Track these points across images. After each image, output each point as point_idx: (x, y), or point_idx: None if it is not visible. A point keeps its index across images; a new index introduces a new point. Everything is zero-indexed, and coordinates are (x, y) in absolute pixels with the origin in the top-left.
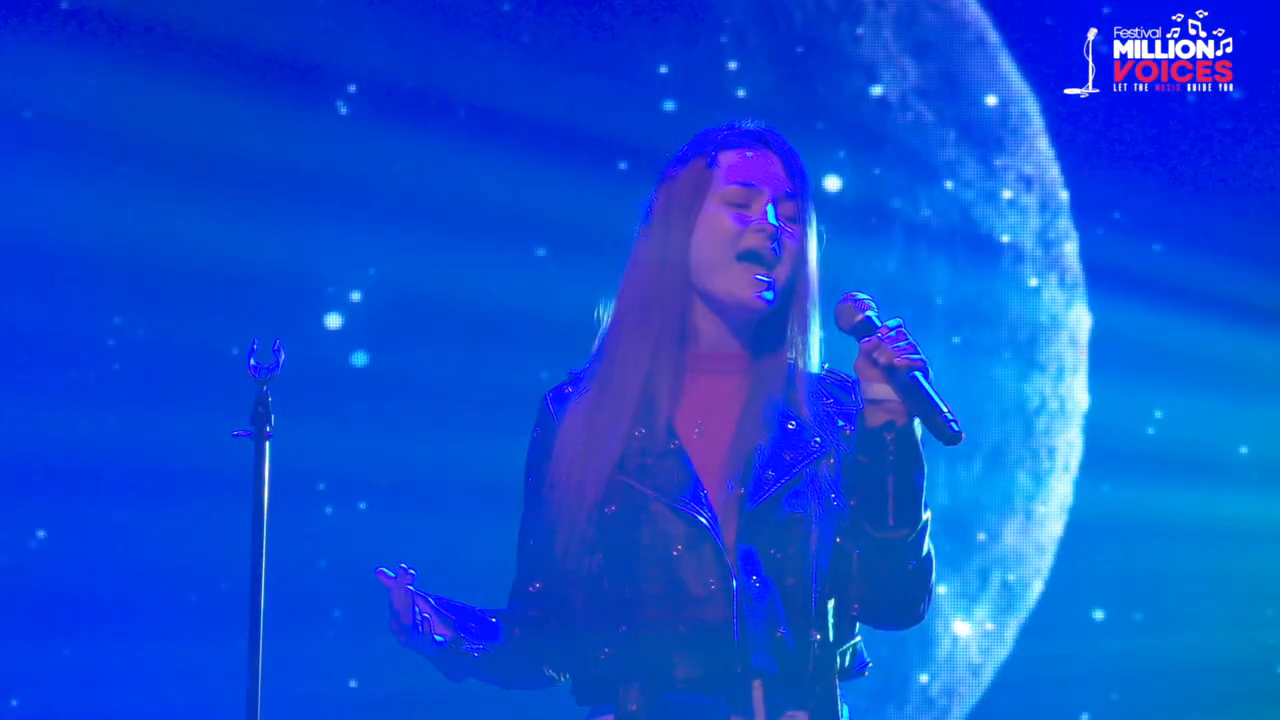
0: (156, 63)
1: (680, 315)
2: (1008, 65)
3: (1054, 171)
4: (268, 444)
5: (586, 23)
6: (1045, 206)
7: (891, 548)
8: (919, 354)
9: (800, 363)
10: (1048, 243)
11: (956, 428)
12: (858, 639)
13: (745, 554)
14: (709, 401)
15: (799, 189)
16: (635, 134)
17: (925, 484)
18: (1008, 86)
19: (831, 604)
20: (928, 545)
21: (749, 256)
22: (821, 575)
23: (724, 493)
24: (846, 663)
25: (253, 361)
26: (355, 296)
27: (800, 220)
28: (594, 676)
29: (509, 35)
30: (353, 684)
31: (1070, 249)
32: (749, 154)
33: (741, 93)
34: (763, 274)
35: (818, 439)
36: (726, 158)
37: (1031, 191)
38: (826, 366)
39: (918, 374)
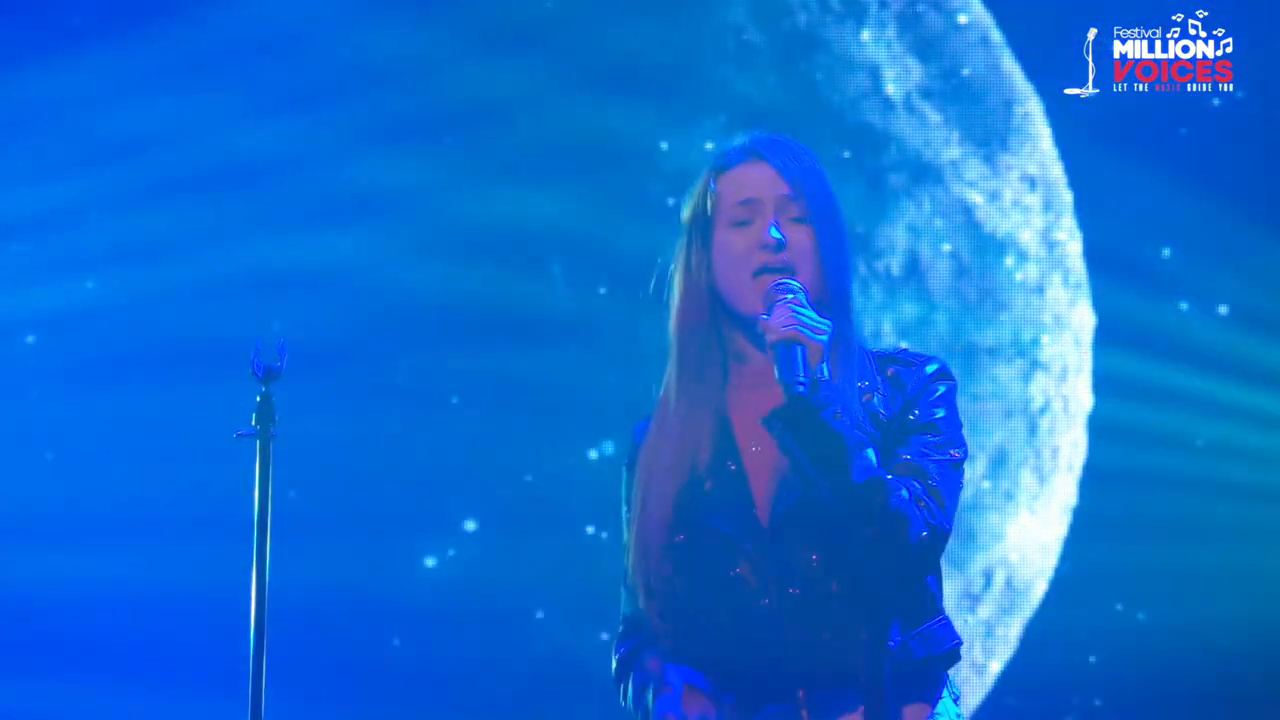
0: None
1: (721, 340)
2: (1011, 65)
3: (1058, 171)
4: (271, 443)
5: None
6: (1049, 206)
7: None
8: (793, 328)
9: (842, 354)
10: (1052, 243)
11: (800, 389)
12: (934, 616)
13: (790, 564)
14: (763, 414)
15: (799, 189)
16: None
17: (840, 454)
18: (1011, 86)
19: (867, 594)
20: (879, 509)
21: (764, 272)
22: (849, 566)
23: (779, 506)
24: (914, 645)
25: (257, 361)
26: None
27: (807, 218)
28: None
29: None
30: None
31: (1074, 249)
32: (742, 170)
33: (749, 96)
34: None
35: (863, 430)
36: (724, 180)
37: (1035, 191)
38: (903, 345)
39: (785, 344)
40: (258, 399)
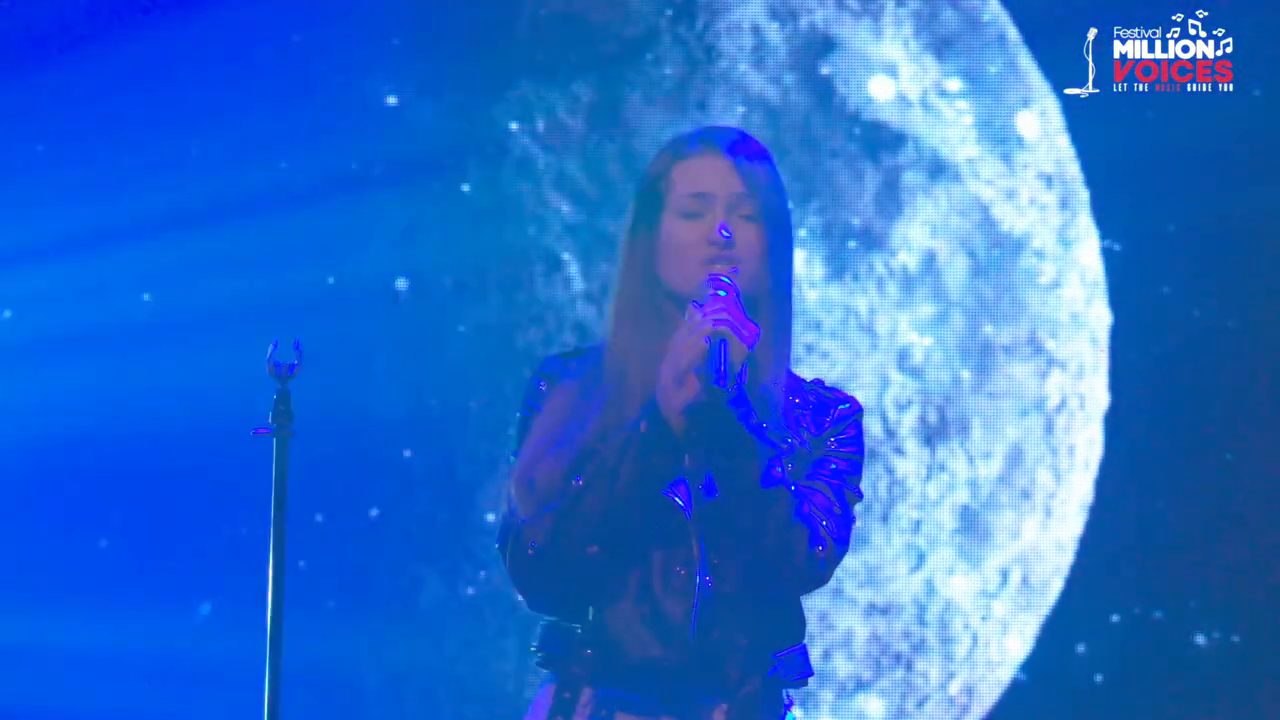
0: None
1: (658, 316)
2: (1027, 63)
3: (1074, 169)
4: (289, 441)
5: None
6: (1065, 204)
7: (747, 515)
8: (722, 323)
9: (775, 356)
10: (1068, 241)
11: (720, 384)
12: (796, 641)
13: (703, 552)
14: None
15: (752, 187)
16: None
17: (750, 458)
18: (1028, 84)
19: (758, 595)
20: (784, 515)
21: (709, 265)
22: (748, 566)
23: (694, 486)
24: (780, 666)
25: (274, 359)
26: None
27: (757, 218)
28: (553, 640)
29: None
30: None
31: (1091, 247)
32: (699, 161)
33: (766, 95)
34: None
35: (787, 441)
36: (679, 168)
37: (1051, 189)
38: (813, 379)
39: (711, 339)
40: (275, 397)
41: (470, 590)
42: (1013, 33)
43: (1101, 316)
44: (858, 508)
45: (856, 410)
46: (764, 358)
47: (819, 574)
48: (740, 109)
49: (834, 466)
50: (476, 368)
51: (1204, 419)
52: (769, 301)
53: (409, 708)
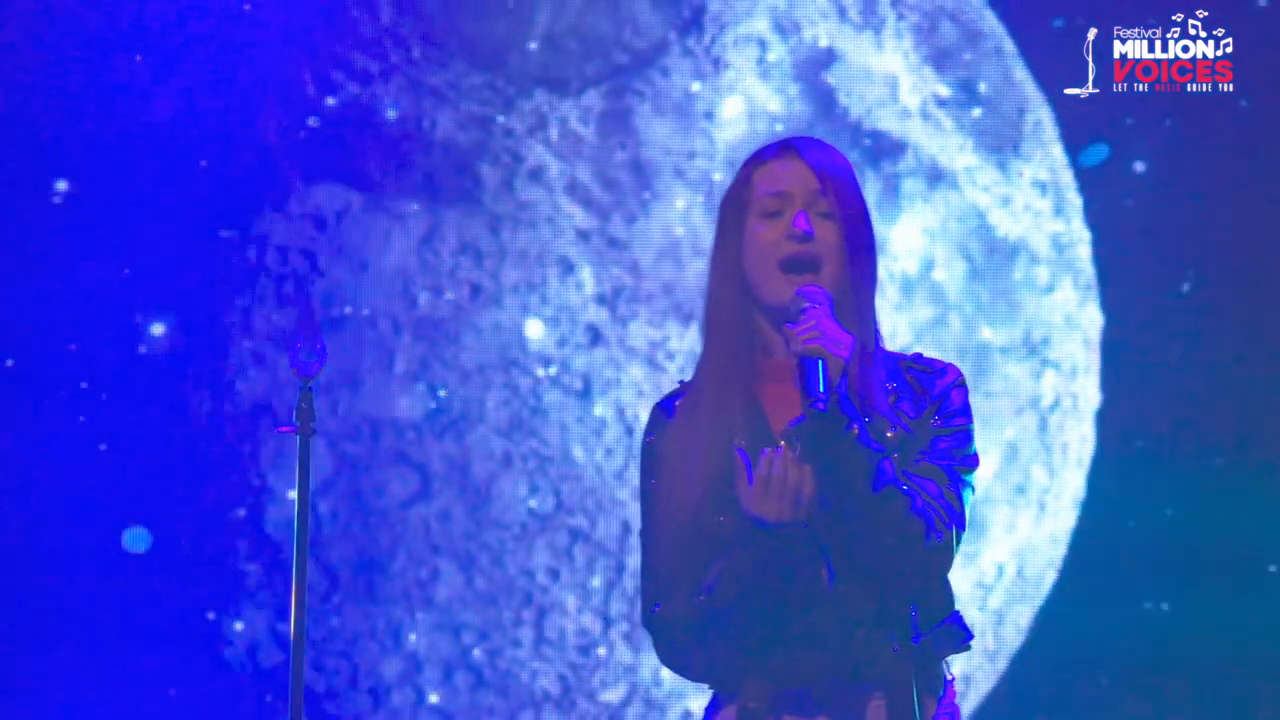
0: None
1: (750, 329)
2: (1023, 74)
3: (1067, 177)
4: (311, 439)
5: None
6: (1059, 210)
7: (861, 523)
8: (816, 341)
9: (864, 349)
10: (1062, 245)
11: (820, 406)
12: (948, 612)
13: (827, 562)
14: (794, 405)
15: (828, 185)
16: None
17: (859, 467)
18: (1023, 94)
19: (881, 589)
20: (898, 516)
21: (789, 266)
22: (866, 564)
23: (810, 491)
24: (934, 642)
25: (296, 360)
26: None
27: (835, 215)
28: (714, 666)
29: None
30: None
31: (1084, 251)
32: (777, 164)
33: (771, 105)
34: (808, 278)
35: (889, 433)
36: (758, 173)
37: (1046, 196)
38: (915, 350)
39: (807, 357)
40: (298, 397)
41: (483, 583)
42: (1009, 45)
43: (1094, 319)
44: (975, 475)
45: (956, 377)
46: (853, 361)
47: (940, 562)
48: (746, 119)
49: (943, 445)
50: (493, 367)
51: (1191, 418)
52: (852, 297)
53: (426, 693)
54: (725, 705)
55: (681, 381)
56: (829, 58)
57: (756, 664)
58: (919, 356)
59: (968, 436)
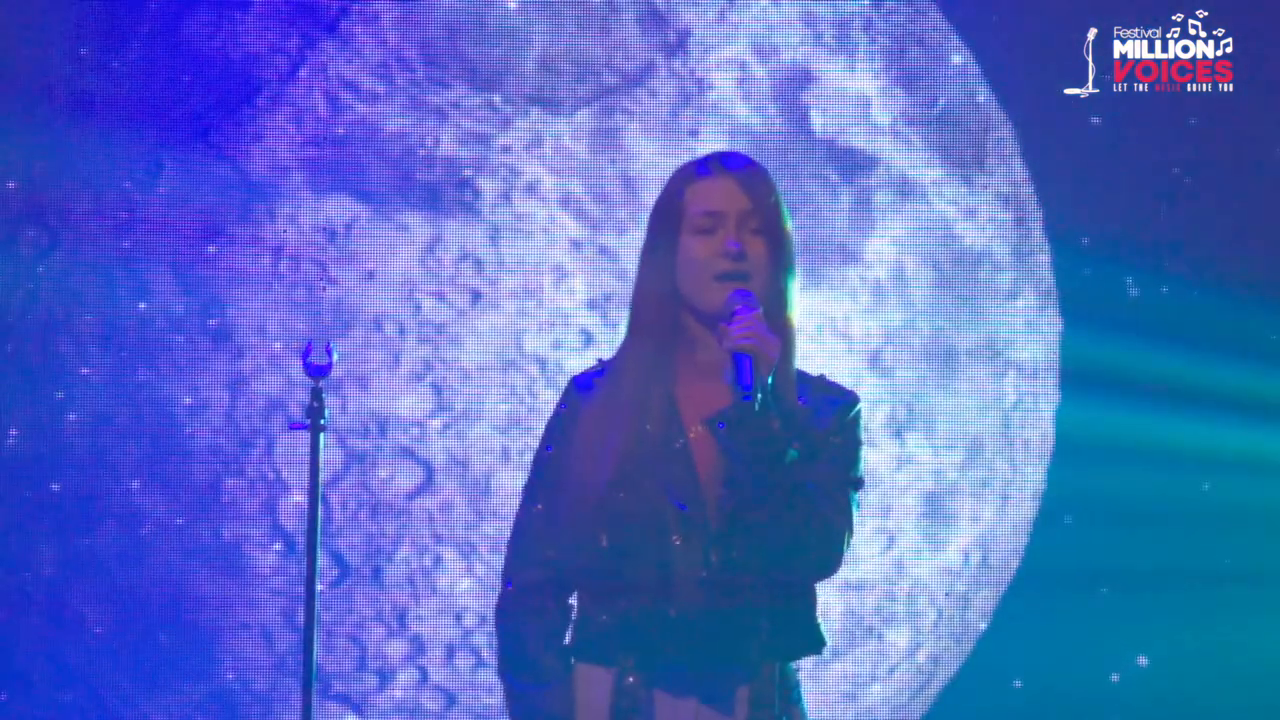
0: None
1: (677, 329)
2: (986, 95)
3: (1028, 190)
4: (322, 435)
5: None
6: (1021, 222)
7: (770, 514)
8: (750, 340)
9: (785, 358)
10: (1023, 254)
11: (748, 399)
12: (810, 617)
13: (721, 548)
14: (710, 403)
15: (758, 204)
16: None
17: (776, 459)
18: (987, 114)
19: (775, 585)
20: (805, 510)
21: (724, 277)
22: (766, 561)
23: (714, 489)
24: (794, 640)
25: (308, 361)
26: None
27: (764, 232)
28: (587, 635)
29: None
30: None
31: (1044, 259)
32: (710, 182)
33: (751, 123)
34: (739, 286)
35: (797, 441)
36: (692, 188)
37: (1009, 209)
38: (822, 374)
39: (739, 354)
40: (309, 395)
41: (483, 569)
42: (973, 68)
43: (1053, 323)
44: (860, 495)
45: (855, 403)
46: (780, 365)
47: (833, 561)
48: (728, 136)
49: (839, 461)
50: (492, 369)
51: (1143, 414)
52: (776, 306)
53: (430, 673)
54: (591, 668)
55: (600, 360)
56: (805, 79)
57: (630, 638)
58: (824, 378)
59: (859, 460)
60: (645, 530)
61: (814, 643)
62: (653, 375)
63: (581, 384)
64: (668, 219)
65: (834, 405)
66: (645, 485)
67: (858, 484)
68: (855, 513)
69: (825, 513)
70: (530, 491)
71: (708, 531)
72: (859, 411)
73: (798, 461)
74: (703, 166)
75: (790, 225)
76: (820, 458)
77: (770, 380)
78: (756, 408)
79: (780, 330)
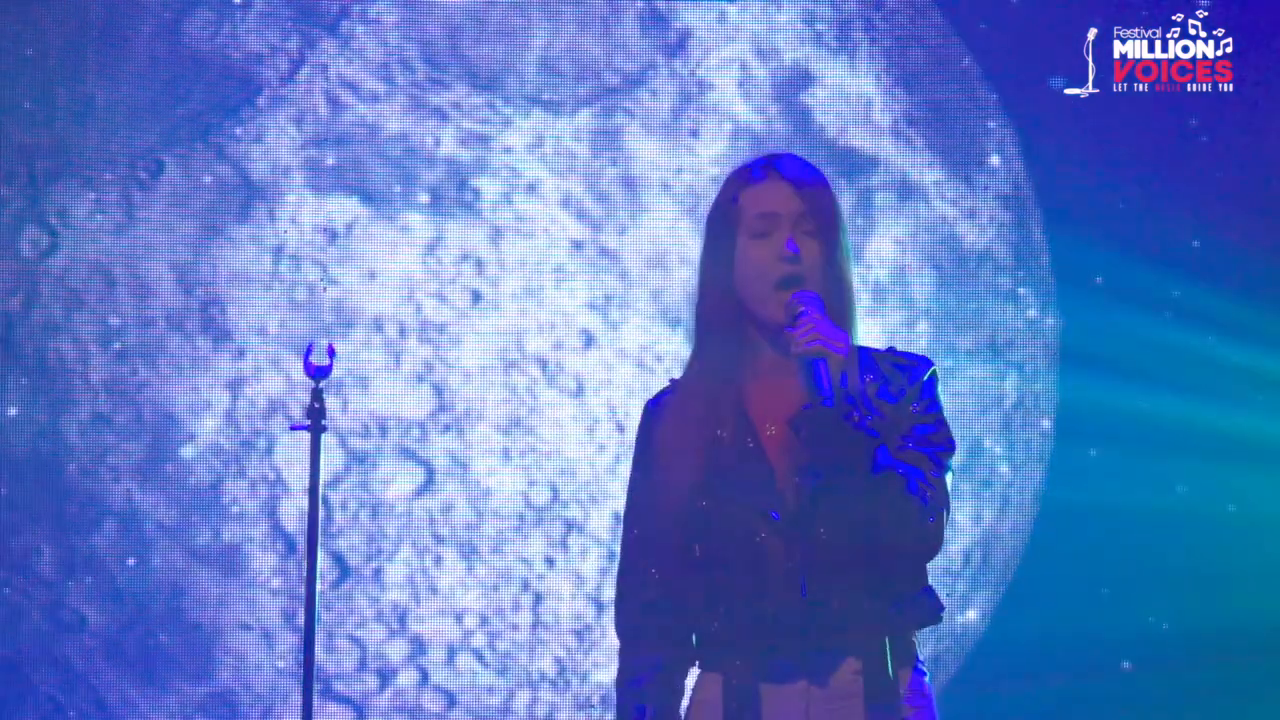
0: None
1: (740, 335)
2: (987, 95)
3: (1029, 190)
4: (323, 436)
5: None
6: (1021, 223)
7: (862, 506)
8: (817, 343)
9: (853, 357)
10: (1023, 254)
11: (828, 402)
12: (917, 588)
13: (806, 536)
14: (779, 404)
15: (811, 206)
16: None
17: (860, 453)
18: (986, 113)
19: (870, 564)
20: (897, 497)
21: (782, 284)
22: (854, 543)
23: (789, 484)
24: (901, 613)
25: (309, 362)
26: None
27: (819, 234)
28: (702, 644)
29: None
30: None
31: (1044, 261)
32: (763, 186)
33: (752, 123)
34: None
35: (871, 418)
36: (746, 193)
37: (1009, 208)
38: (891, 346)
39: (811, 359)
40: (310, 396)
41: (484, 570)
42: (975, 68)
43: (1053, 323)
44: (953, 460)
45: (928, 368)
46: (848, 361)
47: (934, 542)
48: (729, 137)
49: (922, 432)
50: (493, 368)
51: (1144, 415)
52: (836, 301)
53: (430, 674)
54: (706, 673)
55: (671, 380)
56: (806, 79)
57: (737, 640)
58: (893, 349)
59: (943, 423)
60: (731, 533)
61: (928, 611)
62: (721, 381)
63: (654, 405)
64: (724, 224)
65: (905, 373)
66: (725, 490)
67: (947, 450)
68: (950, 481)
69: (916, 495)
70: (627, 519)
71: (789, 525)
72: (934, 374)
73: (883, 446)
74: (757, 170)
75: (844, 223)
76: (902, 431)
77: (845, 378)
78: (835, 407)
79: (840, 324)
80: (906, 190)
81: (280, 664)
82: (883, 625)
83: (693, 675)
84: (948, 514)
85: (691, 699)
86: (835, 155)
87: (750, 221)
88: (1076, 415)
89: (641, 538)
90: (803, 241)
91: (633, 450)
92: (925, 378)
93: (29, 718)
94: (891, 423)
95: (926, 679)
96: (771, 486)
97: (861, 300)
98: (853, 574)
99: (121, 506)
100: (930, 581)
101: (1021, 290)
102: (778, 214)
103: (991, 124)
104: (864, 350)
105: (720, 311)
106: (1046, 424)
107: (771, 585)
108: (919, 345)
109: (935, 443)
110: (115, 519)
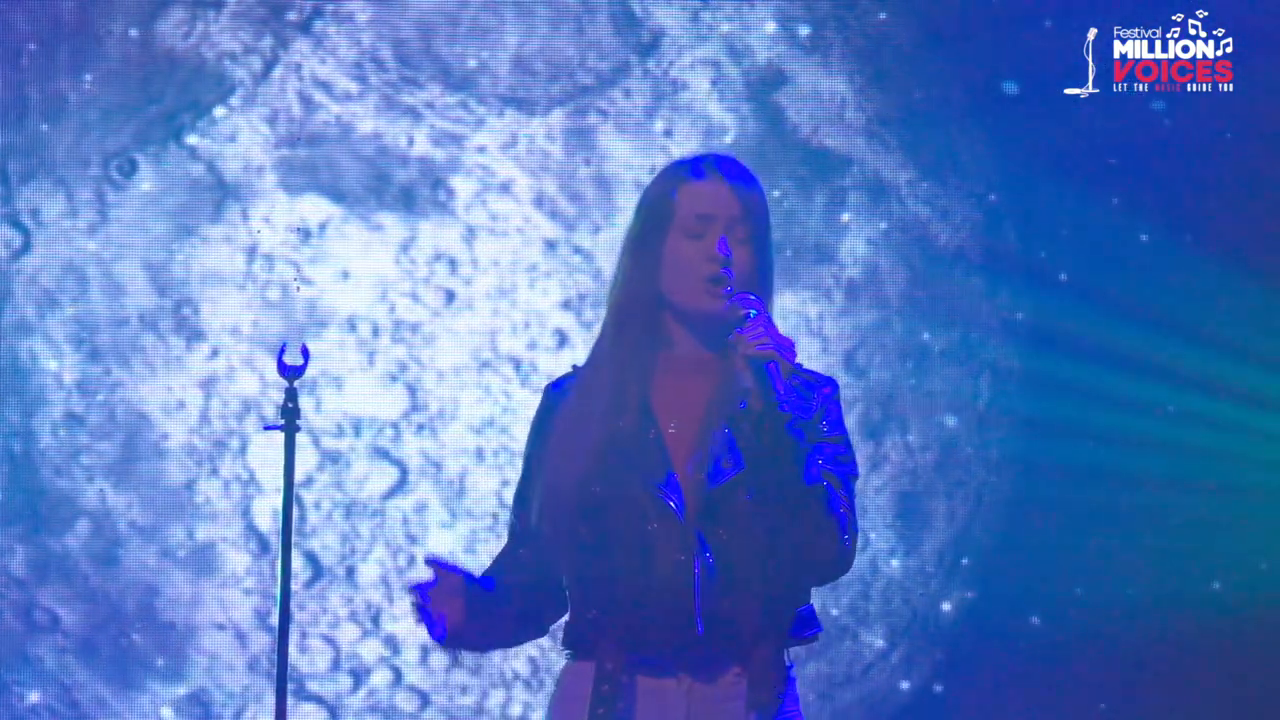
0: None
1: (656, 325)
2: (960, 95)
3: (1000, 190)
4: (296, 436)
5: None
6: (994, 222)
7: (786, 515)
8: (770, 346)
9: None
10: (995, 254)
11: (784, 407)
12: (804, 604)
13: (700, 534)
14: (684, 398)
15: (747, 212)
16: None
17: (797, 461)
18: (959, 114)
19: (774, 577)
20: (821, 512)
21: (712, 281)
22: (763, 552)
23: (689, 478)
24: (788, 627)
25: (282, 362)
26: None
27: (750, 242)
28: (576, 632)
29: None
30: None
31: (1015, 261)
32: (702, 185)
33: (722, 120)
34: (724, 290)
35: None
36: (684, 190)
37: (980, 208)
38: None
39: (762, 361)
40: (283, 396)
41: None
42: (948, 69)
43: (1024, 322)
44: (855, 483)
45: (835, 389)
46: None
47: (845, 563)
48: (702, 136)
49: (830, 451)
50: (466, 368)
51: (1118, 414)
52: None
53: (404, 674)
54: (579, 663)
55: (575, 367)
56: (779, 79)
57: (614, 628)
58: (799, 366)
59: (849, 446)
60: (622, 519)
61: (807, 626)
62: (629, 372)
63: (556, 387)
64: (657, 218)
65: (814, 391)
66: (620, 476)
67: (854, 474)
68: (855, 507)
69: (836, 514)
70: (516, 496)
71: (683, 517)
72: (837, 397)
73: (814, 456)
74: (696, 168)
75: (772, 233)
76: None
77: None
78: (781, 410)
79: None
80: (879, 190)
81: (252, 664)
82: (770, 639)
83: (558, 666)
84: (857, 536)
85: (557, 690)
86: (808, 155)
87: (685, 220)
88: (1050, 415)
89: (525, 517)
90: (735, 248)
91: (528, 432)
92: (831, 398)
93: (1, 718)
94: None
95: (793, 673)
96: (669, 479)
97: (835, 300)
98: (748, 581)
99: (95, 506)
100: (810, 599)
101: (996, 290)
102: (714, 216)
103: (964, 123)
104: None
105: (639, 302)
106: (1020, 423)
107: (659, 575)
108: (892, 345)
109: (843, 464)
110: (88, 518)
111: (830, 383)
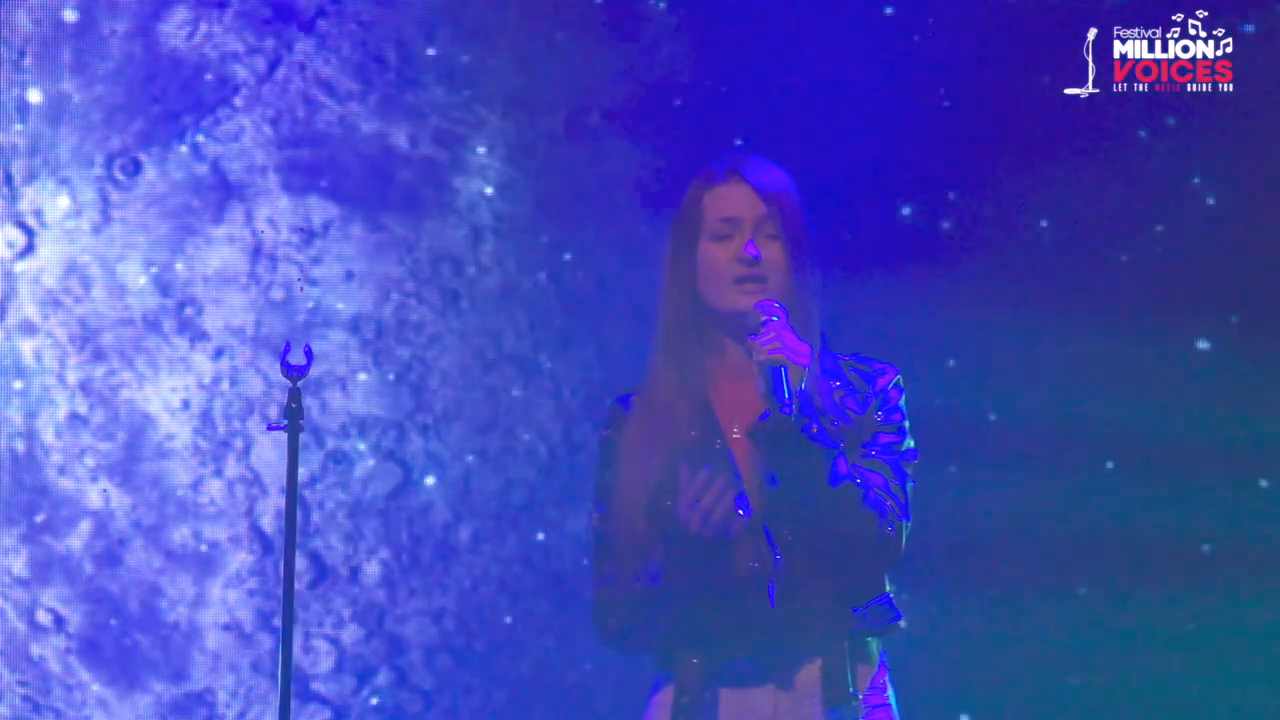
0: None
1: (703, 334)
2: (952, 94)
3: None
4: (300, 436)
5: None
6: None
7: (819, 516)
8: (779, 351)
9: (810, 355)
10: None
11: (787, 411)
12: (879, 594)
13: (769, 537)
14: (744, 403)
15: (773, 209)
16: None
17: (818, 464)
18: (944, 124)
19: (838, 570)
20: (855, 508)
21: (741, 282)
22: (823, 547)
23: (753, 482)
24: (863, 617)
25: (286, 362)
26: None
27: (780, 235)
28: (652, 646)
29: None
30: None
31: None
32: (725, 189)
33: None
34: (758, 289)
35: (834, 425)
36: (709, 196)
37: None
38: (855, 352)
39: (772, 367)
40: (287, 397)
41: (460, 570)
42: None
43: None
44: (915, 468)
45: (895, 376)
46: (810, 368)
47: (892, 551)
48: (701, 140)
49: (885, 440)
50: (471, 370)
51: (1109, 429)
52: (799, 307)
53: (408, 674)
54: (665, 683)
55: (637, 385)
56: (775, 83)
57: (695, 643)
58: (858, 355)
59: (905, 432)
60: (698, 532)
61: (886, 615)
62: (686, 382)
63: (622, 403)
64: (687, 227)
65: (871, 381)
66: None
67: (909, 460)
68: (911, 491)
69: (873, 506)
70: (600, 519)
71: (751, 527)
72: (898, 382)
73: (841, 456)
74: (718, 174)
75: (808, 224)
76: (861, 441)
77: (805, 386)
78: (794, 417)
79: (804, 331)
80: (870, 192)
81: (255, 664)
82: (842, 630)
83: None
84: (908, 523)
85: (646, 711)
86: (800, 160)
87: (712, 225)
88: (1016, 414)
89: (608, 535)
90: (765, 245)
91: (599, 449)
92: (890, 386)
93: (4, 719)
94: (855, 430)
95: (888, 678)
96: (738, 486)
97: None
98: (815, 578)
99: (98, 506)
100: (889, 589)
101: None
102: (739, 218)
103: (948, 134)
104: (832, 356)
105: (684, 314)
106: (992, 420)
107: (737, 584)
108: (875, 349)
109: (897, 452)
110: (92, 519)
111: (890, 370)
